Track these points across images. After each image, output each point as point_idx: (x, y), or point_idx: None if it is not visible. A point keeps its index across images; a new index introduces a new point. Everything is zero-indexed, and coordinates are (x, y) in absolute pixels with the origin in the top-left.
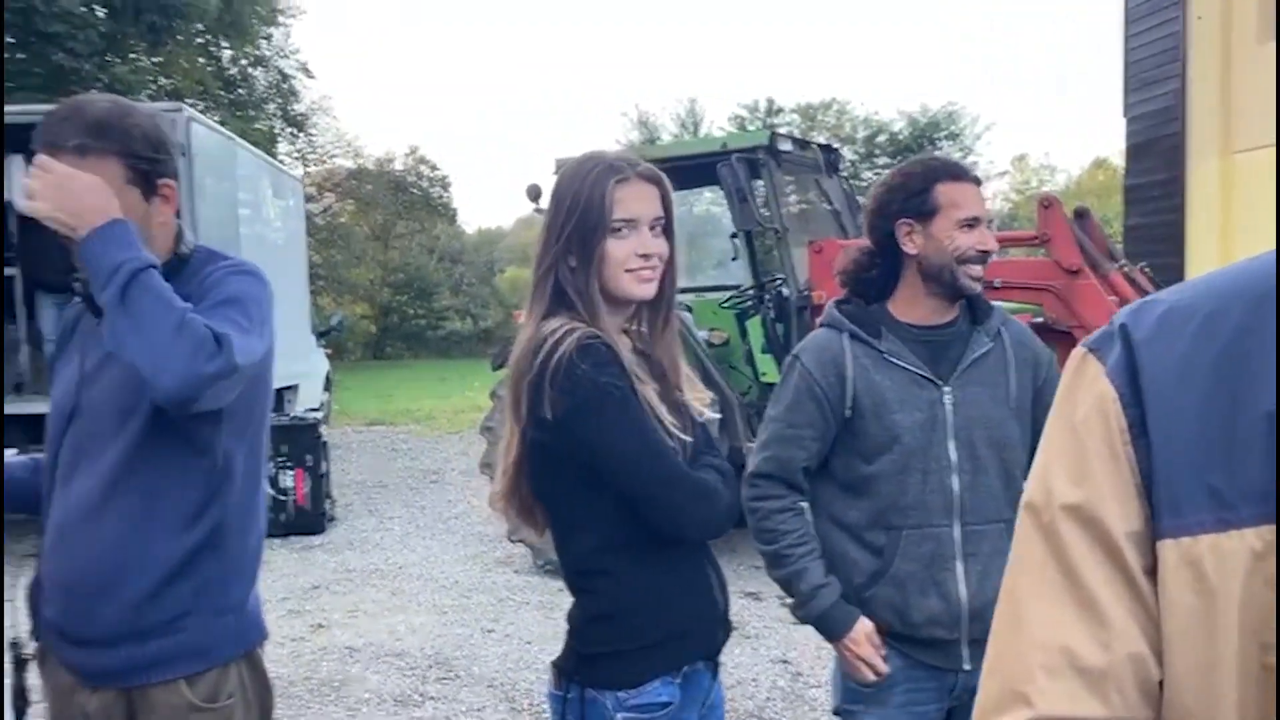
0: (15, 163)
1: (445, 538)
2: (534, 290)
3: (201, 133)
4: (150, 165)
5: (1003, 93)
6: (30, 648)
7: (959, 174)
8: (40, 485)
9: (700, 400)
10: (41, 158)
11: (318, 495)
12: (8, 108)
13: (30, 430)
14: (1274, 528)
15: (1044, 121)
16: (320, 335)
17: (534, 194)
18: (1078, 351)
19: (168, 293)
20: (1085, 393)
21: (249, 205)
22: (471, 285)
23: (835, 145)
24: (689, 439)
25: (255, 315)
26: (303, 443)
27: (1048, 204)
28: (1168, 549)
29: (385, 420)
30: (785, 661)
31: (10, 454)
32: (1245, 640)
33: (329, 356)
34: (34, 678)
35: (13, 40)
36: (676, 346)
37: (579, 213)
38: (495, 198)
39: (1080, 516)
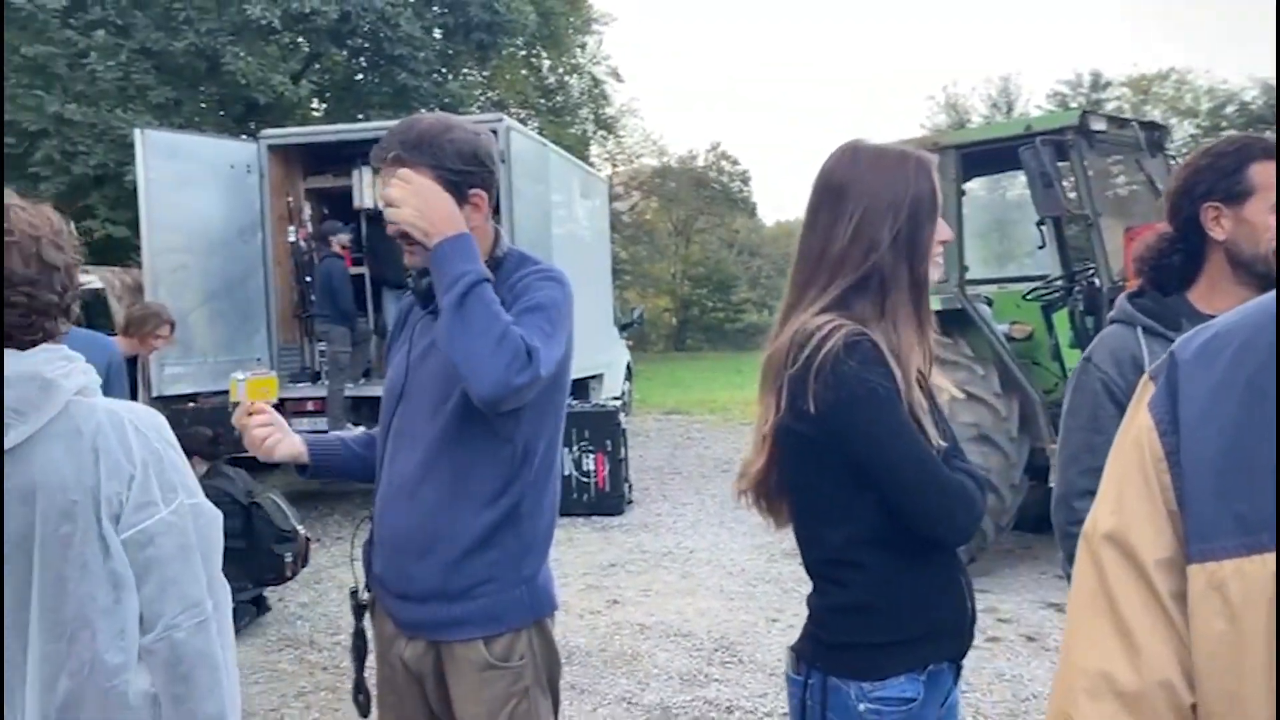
0: (366, 174)
1: (734, 526)
2: (815, 281)
3: (519, 140)
4: (459, 177)
5: None
6: (365, 597)
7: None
8: (373, 458)
9: (944, 389)
10: (404, 170)
11: (617, 479)
12: (361, 125)
13: (377, 411)
14: None
15: None
16: (622, 328)
17: None
18: (1144, 375)
19: (496, 306)
20: (1133, 421)
21: (560, 206)
22: (769, 278)
23: (1167, 121)
24: (944, 444)
25: (557, 321)
26: (604, 429)
27: None
28: (1195, 574)
29: (682, 410)
30: None
31: (358, 431)
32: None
33: (630, 348)
34: (369, 623)
35: (365, 64)
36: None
37: (909, 205)
38: (794, 190)
39: (1117, 543)
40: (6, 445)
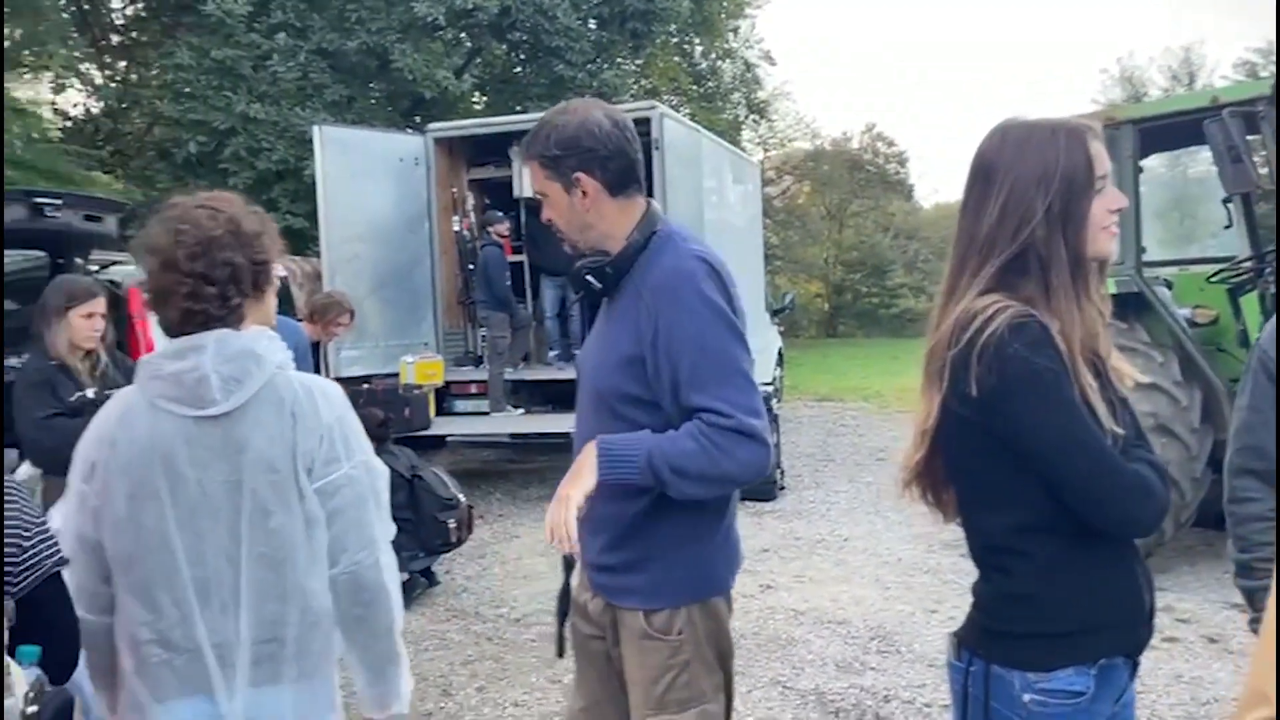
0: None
1: (889, 515)
2: (967, 265)
3: (671, 127)
4: (555, 162)
5: None
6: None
7: None
8: None
9: (1124, 374)
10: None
11: None
12: (520, 116)
13: (535, 394)
14: None
15: None
16: (774, 313)
17: None
18: None
19: (679, 441)
20: None
21: (712, 191)
22: (926, 261)
23: None
24: (1121, 431)
25: (730, 348)
26: None
27: None
28: None
29: (835, 397)
30: None
31: (517, 414)
32: None
33: (781, 333)
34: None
35: (523, 56)
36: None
37: (1059, 177)
38: (955, 172)
39: None
40: (230, 406)
